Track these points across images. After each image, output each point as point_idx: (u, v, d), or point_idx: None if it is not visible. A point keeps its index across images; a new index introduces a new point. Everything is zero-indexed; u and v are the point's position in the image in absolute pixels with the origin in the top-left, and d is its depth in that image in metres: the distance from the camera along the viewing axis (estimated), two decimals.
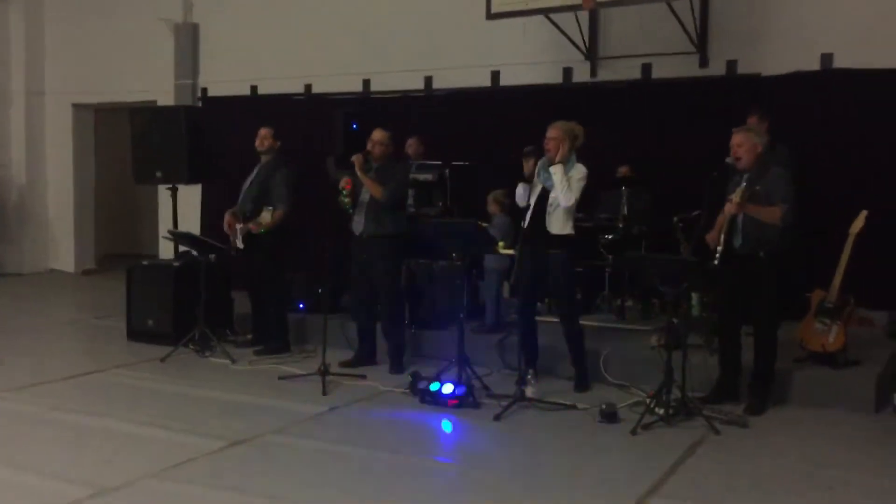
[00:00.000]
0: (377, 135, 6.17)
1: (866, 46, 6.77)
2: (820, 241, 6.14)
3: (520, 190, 5.53)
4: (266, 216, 6.37)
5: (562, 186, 5.32)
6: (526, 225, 5.44)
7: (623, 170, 7.26)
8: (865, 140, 6.64)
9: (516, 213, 5.76)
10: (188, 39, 10.00)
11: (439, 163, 7.34)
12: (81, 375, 6.07)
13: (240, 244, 6.65)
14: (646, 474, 4.19)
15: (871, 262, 5.87)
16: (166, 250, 8.89)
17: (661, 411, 4.91)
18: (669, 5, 6.94)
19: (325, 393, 5.58)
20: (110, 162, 11.86)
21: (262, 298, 6.89)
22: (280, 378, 6.00)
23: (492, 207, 6.86)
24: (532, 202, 5.46)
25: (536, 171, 5.44)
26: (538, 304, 6.11)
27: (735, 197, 4.98)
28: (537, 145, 5.48)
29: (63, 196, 11.29)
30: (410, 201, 6.92)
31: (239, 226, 6.64)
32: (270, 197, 6.55)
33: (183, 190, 7.88)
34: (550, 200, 5.42)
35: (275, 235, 6.51)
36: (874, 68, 6.67)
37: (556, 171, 5.33)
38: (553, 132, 5.43)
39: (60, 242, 11.39)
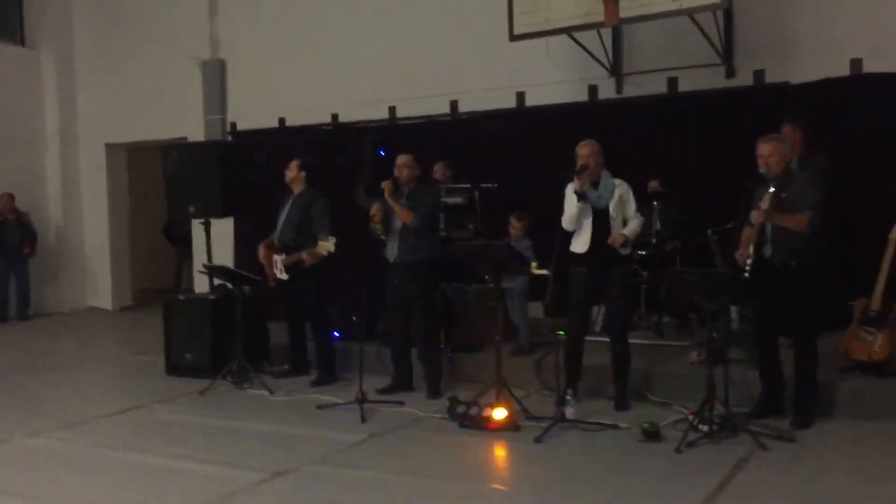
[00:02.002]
0: (402, 159, 6.21)
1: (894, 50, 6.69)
2: (859, 248, 6.03)
3: (573, 210, 5.50)
4: (327, 245, 6.26)
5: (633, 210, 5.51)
6: (588, 246, 5.44)
7: (653, 184, 7.22)
8: None
9: (537, 233, 5.73)
10: (216, 75, 10.16)
11: (468, 185, 7.34)
12: (122, 412, 6.11)
13: (283, 275, 6.68)
14: (693, 493, 4.11)
15: None
16: (201, 285, 8.97)
17: (705, 428, 4.83)
18: (693, 18, 6.92)
19: (363, 421, 5.57)
20: (144, 199, 12.06)
21: (302, 329, 6.92)
22: (318, 407, 6.00)
23: (513, 230, 6.84)
24: (585, 223, 5.46)
25: (584, 192, 5.42)
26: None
27: (762, 204, 4.91)
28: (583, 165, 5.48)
29: (99, 235, 11.49)
30: (441, 225, 6.92)
31: (280, 257, 6.68)
32: (313, 227, 6.59)
33: (216, 224, 7.96)
34: (613, 215, 5.47)
35: (318, 266, 6.52)
36: None
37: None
38: (588, 149, 5.50)
39: (98, 280, 11.57)
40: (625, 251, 5.56)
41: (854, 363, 5.47)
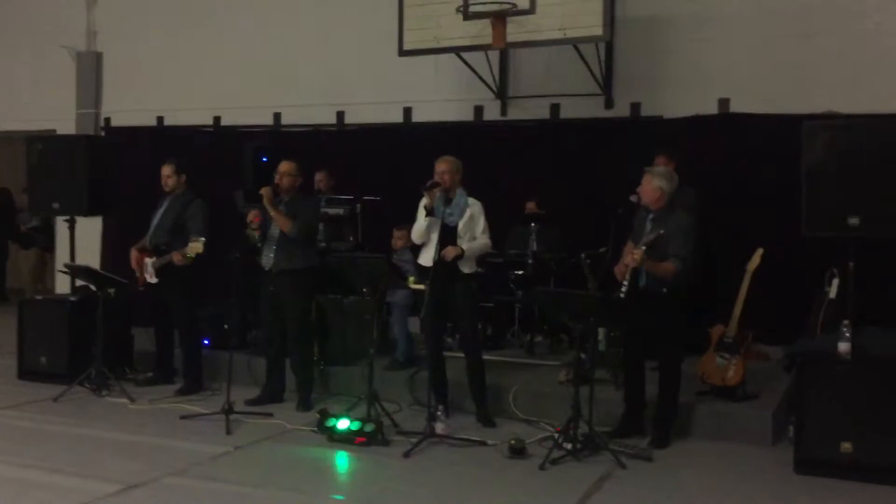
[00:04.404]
0: (284, 166, 6.11)
1: (761, 92, 7.11)
2: (720, 277, 6.35)
3: (422, 224, 5.55)
4: (196, 246, 6.09)
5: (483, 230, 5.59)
6: (433, 261, 5.45)
7: (531, 205, 7.38)
8: (760, 180, 6.94)
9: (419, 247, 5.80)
10: (91, 68, 9.73)
11: (350, 197, 7.30)
12: None
13: (152, 278, 6.45)
14: None
15: (767, 298, 6.10)
16: (63, 285, 8.50)
17: (569, 446, 4.94)
18: (577, 48, 7.14)
19: (228, 432, 5.42)
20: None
21: (170, 335, 6.71)
22: (182, 417, 5.79)
23: (397, 242, 6.86)
24: (433, 237, 5.50)
25: (433, 207, 5.48)
26: (448, 339, 6.10)
27: (635, 254, 5.05)
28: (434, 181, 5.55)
29: None
30: (321, 236, 6.84)
31: (150, 259, 6.44)
32: (186, 229, 6.38)
33: (82, 223, 7.57)
34: (461, 234, 5.53)
35: (189, 269, 6.33)
36: (768, 113, 6.99)
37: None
38: (445, 165, 5.60)
39: None
40: (469, 269, 5.62)
41: (709, 387, 5.73)
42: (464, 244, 5.53)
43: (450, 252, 5.47)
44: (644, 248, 5.02)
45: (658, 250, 5.07)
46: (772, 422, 5.39)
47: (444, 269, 5.46)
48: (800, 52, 7.04)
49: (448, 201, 5.57)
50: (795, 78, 7.02)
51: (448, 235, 5.51)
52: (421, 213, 5.60)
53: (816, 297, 6.15)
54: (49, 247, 10.39)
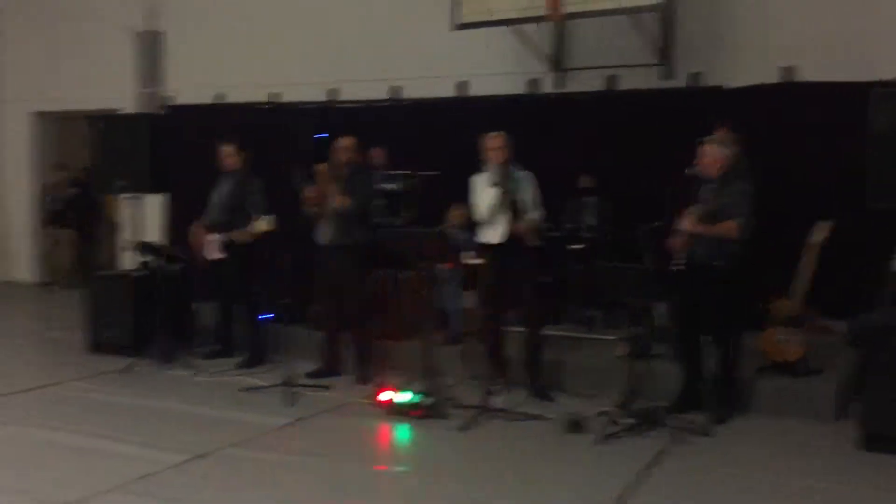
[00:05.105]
0: (343, 141, 6.15)
1: (826, 60, 6.88)
2: (780, 250, 6.21)
3: (489, 201, 5.51)
4: (262, 224, 6.16)
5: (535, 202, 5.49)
6: (498, 236, 5.44)
7: (585, 180, 7.31)
8: (824, 151, 6.74)
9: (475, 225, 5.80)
10: (152, 47, 9.88)
11: (407, 172, 7.31)
12: (36, 389, 5.93)
13: (215, 255, 6.56)
14: (610, 484, 4.19)
15: (831, 272, 5.95)
16: (128, 263, 8.73)
17: (627, 421, 4.92)
18: (634, 18, 7.00)
19: (289, 405, 5.52)
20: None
21: (231, 310, 6.83)
22: (242, 390, 5.92)
23: (453, 219, 6.82)
24: (498, 213, 5.47)
25: (501, 183, 5.44)
26: (506, 313, 6.10)
27: (688, 222, 4.98)
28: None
29: (22, 206, 11.08)
30: (377, 212, 6.87)
31: (216, 236, 6.55)
32: (246, 207, 6.48)
33: (146, 201, 7.74)
34: (522, 207, 5.50)
35: (251, 246, 6.43)
36: (833, 81, 6.77)
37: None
38: (501, 140, 5.55)
39: (20, 254, 11.15)
40: (533, 242, 5.60)
41: (770, 363, 5.63)
42: (529, 218, 5.53)
43: (523, 227, 5.47)
44: (699, 211, 4.92)
45: (716, 219, 4.98)
46: (835, 397, 5.29)
47: (510, 244, 5.47)
48: (866, 18, 6.79)
49: (507, 176, 5.54)
50: (861, 45, 6.78)
51: (514, 210, 5.50)
52: (482, 190, 5.55)
53: (882, 271, 5.97)
54: (82, 225, 10.39)
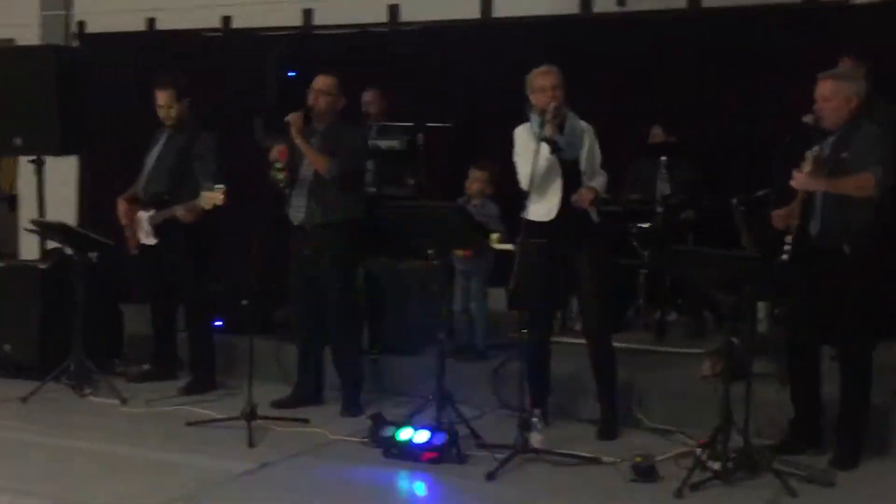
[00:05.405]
0: (320, 82, 6.16)
1: None
2: None
3: (542, 164, 5.44)
4: (214, 196, 6.16)
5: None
6: (555, 213, 5.47)
7: (657, 132, 7.32)
8: None
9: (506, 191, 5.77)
10: None
11: (410, 124, 7.31)
12: None
13: (149, 239, 6.60)
14: None
15: None
16: (29, 248, 8.79)
17: (717, 465, 4.91)
18: None
19: (251, 444, 5.54)
20: None
21: (172, 314, 6.90)
22: (189, 424, 5.95)
23: (475, 188, 6.79)
24: (550, 181, 5.47)
25: (556, 140, 5.40)
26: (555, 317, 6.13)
27: (805, 165, 4.98)
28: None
29: None
30: (370, 178, 6.89)
31: (147, 214, 6.58)
32: (193, 173, 6.52)
33: (53, 164, 7.78)
34: (584, 171, 5.51)
35: (198, 228, 6.47)
36: None
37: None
38: (554, 78, 5.50)
39: None
40: (594, 217, 5.61)
41: None
42: (591, 186, 5.52)
43: (585, 195, 5.47)
44: (816, 151, 4.93)
45: (844, 172, 4.97)
46: None
47: (570, 221, 5.47)
48: None
49: (560, 128, 5.51)
50: None
51: (572, 177, 5.49)
52: (527, 148, 5.48)
53: None
54: None
